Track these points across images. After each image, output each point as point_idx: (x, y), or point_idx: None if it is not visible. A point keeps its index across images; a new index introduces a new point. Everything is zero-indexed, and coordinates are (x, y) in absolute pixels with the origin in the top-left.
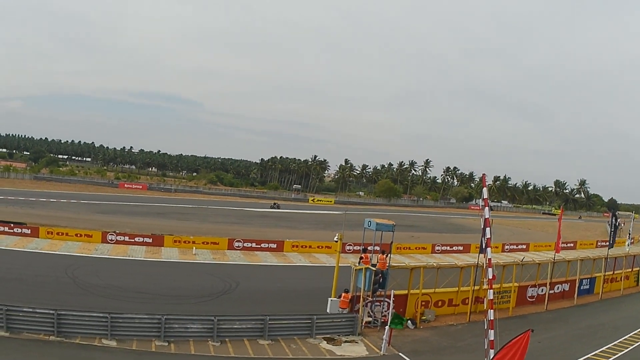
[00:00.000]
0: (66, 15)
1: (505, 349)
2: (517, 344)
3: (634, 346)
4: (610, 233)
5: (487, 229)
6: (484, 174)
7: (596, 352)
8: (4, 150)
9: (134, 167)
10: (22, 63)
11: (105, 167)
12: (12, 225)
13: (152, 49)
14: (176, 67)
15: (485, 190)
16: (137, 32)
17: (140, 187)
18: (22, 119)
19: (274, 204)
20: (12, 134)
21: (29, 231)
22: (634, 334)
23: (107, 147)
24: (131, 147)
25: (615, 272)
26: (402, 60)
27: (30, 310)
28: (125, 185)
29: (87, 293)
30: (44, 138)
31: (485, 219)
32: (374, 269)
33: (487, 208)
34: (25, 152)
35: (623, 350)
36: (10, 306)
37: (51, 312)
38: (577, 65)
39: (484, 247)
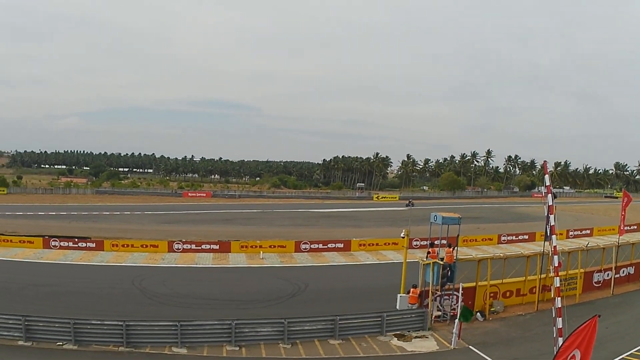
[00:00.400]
0: (118, 29)
1: (572, 336)
2: (585, 330)
3: None
4: None
5: (551, 216)
6: (545, 161)
7: None
8: (64, 166)
9: (196, 175)
10: (76, 79)
11: (167, 178)
12: (76, 239)
13: (206, 57)
14: (232, 74)
15: (547, 177)
16: (190, 42)
17: (204, 194)
18: (80, 134)
19: (409, 202)
20: (71, 150)
21: (93, 245)
22: None
23: (169, 157)
24: (192, 156)
25: None
26: (456, 52)
27: (99, 322)
28: (189, 194)
29: (156, 303)
30: (102, 152)
31: (548, 206)
32: (441, 262)
33: (550, 195)
34: (85, 168)
35: None
36: (77, 319)
37: (120, 323)
38: (634, 46)
39: (548, 234)
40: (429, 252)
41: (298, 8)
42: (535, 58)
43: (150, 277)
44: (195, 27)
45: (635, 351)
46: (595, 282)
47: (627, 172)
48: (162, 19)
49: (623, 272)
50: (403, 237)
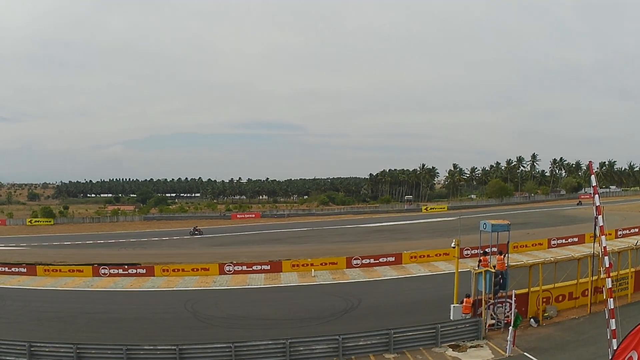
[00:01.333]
0: (160, 56)
1: (628, 337)
2: (639, 334)
3: None
4: None
5: (600, 217)
6: (590, 162)
7: None
8: (110, 195)
9: (244, 197)
10: (120, 108)
11: (215, 201)
12: (126, 266)
13: (247, 79)
14: (273, 95)
15: (593, 177)
16: (231, 65)
17: (253, 215)
18: (124, 162)
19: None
20: (116, 179)
21: (144, 271)
22: None
23: (215, 180)
24: (239, 178)
25: None
26: (496, 58)
27: (152, 347)
28: (238, 215)
29: (209, 325)
30: (148, 179)
31: (596, 206)
32: (493, 270)
33: (597, 195)
34: (131, 195)
35: None
36: (130, 345)
37: (173, 347)
38: None
39: (597, 235)
40: (480, 261)
41: (336, 24)
42: (575, 57)
43: (203, 300)
44: (236, 50)
45: None
46: None
47: None
48: (201, 45)
49: None
50: (454, 247)
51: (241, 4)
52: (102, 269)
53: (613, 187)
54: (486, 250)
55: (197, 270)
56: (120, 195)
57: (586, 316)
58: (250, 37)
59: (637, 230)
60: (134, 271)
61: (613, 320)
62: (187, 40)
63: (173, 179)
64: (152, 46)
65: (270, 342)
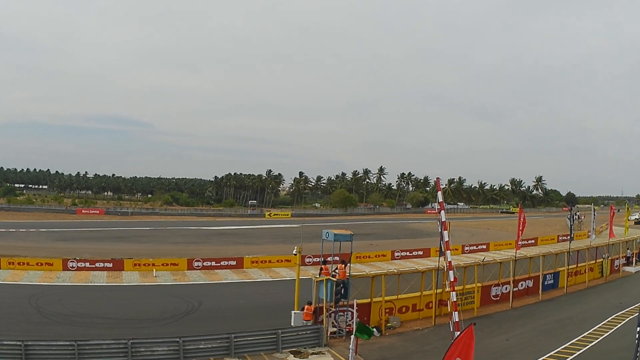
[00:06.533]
0: (16, 40)
1: (452, 346)
2: (463, 340)
3: (603, 337)
4: (571, 227)
5: (445, 232)
6: (437, 178)
7: (565, 345)
8: None
9: (90, 192)
10: None
11: (62, 194)
12: None
13: (104, 72)
14: (127, 89)
15: (440, 194)
16: (88, 56)
17: (98, 212)
18: None
19: None
20: None
21: None
22: (602, 324)
23: (63, 173)
24: (86, 172)
25: (579, 264)
26: (353, 69)
27: None
28: (83, 211)
29: (53, 322)
30: None
31: (442, 222)
32: (334, 279)
33: (443, 211)
34: None
35: (593, 342)
36: None
37: (18, 343)
38: (528, 63)
39: (443, 250)
40: (321, 269)
41: (196, 23)
42: (431, 75)
43: (47, 295)
44: (93, 42)
45: None
46: (493, 296)
47: (524, 188)
48: (60, 32)
49: (522, 286)
50: (295, 254)
51: None
52: None
53: (461, 204)
54: (327, 259)
55: (42, 264)
56: None
57: (431, 328)
58: (112, 30)
59: (485, 247)
60: None
61: (458, 332)
62: (48, 27)
63: (23, 169)
64: (12, 29)
65: (112, 342)
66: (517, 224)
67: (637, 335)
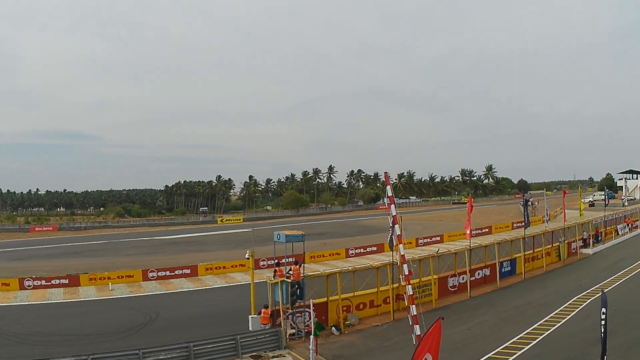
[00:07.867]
0: None
1: (423, 341)
2: (432, 334)
3: (565, 319)
4: (524, 213)
5: (396, 226)
6: (385, 172)
7: (528, 330)
8: None
9: (42, 209)
10: None
11: (14, 213)
12: None
13: (50, 88)
14: (73, 103)
15: (389, 188)
16: (30, 73)
17: (51, 228)
18: None
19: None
20: None
21: None
22: (563, 307)
23: (14, 191)
24: (37, 189)
25: (536, 250)
26: (296, 69)
27: None
28: (36, 228)
29: (13, 343)
30: None
31: (392, 216)
32: (289, 280)
33: (392, 206)
34: None
35: (555, 325)
36: None
37: None
38: (471, 53)
39: (395, 244)
40: (275, 271)
41: (136, 30)
42: (375, 70)
43: (5, 316)
44: (40, 57)
45: (502, 349)
46: (450, 287)
47: (475, 178)
48: (3, 51)
49: (479, 275)
50: (248, 258)
51: (50, 10)
52: None
53: (413, 198)
54: (280, 261)
55: None
56: None
57: (390, 323)
58: (56, 44)
59: (438, 238)
60: None
61: (417, 325)
62: None
63: None
64: None
65: (73, 359)
66: (468, 214)
67: (602, 316)
